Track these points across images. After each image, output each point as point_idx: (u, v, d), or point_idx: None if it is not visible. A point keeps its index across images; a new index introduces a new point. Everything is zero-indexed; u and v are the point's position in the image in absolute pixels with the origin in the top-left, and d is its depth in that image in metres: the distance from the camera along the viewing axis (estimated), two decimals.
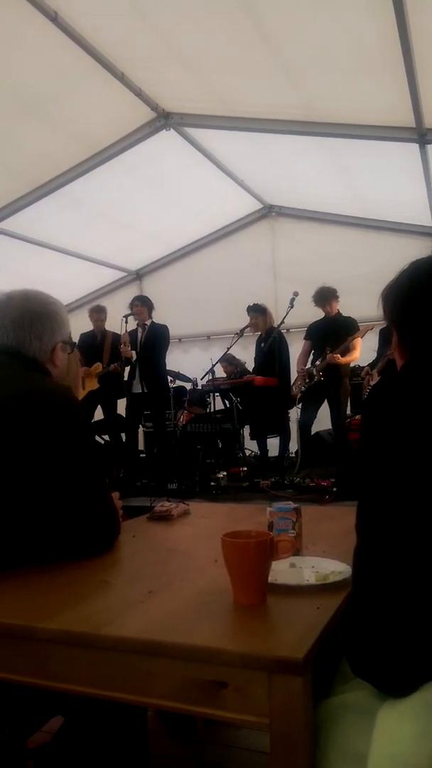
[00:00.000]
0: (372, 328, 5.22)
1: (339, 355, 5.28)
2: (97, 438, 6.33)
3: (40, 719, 1.31)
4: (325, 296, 5.52)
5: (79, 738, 1.17)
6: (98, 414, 6.30)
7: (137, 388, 5.78)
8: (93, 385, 6.08)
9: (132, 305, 5.88)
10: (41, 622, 1.03)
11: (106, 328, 6.36)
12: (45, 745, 1.23)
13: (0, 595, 1.19)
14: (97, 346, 6.24)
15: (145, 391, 5.73)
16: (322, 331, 5.58)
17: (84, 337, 6.30)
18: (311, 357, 5.67)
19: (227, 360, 6.48)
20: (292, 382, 5.75)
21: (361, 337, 5.36)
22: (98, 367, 6.09)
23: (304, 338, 5.80)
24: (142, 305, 5.85)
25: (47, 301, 1.56)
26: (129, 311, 5.87)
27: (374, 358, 5.42)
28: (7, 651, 1.06)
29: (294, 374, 5.78)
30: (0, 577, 1.28)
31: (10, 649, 1.06)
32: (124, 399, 6.08)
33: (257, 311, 5.99)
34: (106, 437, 6.38)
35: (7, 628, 1.06)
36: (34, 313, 1.51)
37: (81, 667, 1.01)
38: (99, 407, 6.25)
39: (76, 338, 5.39)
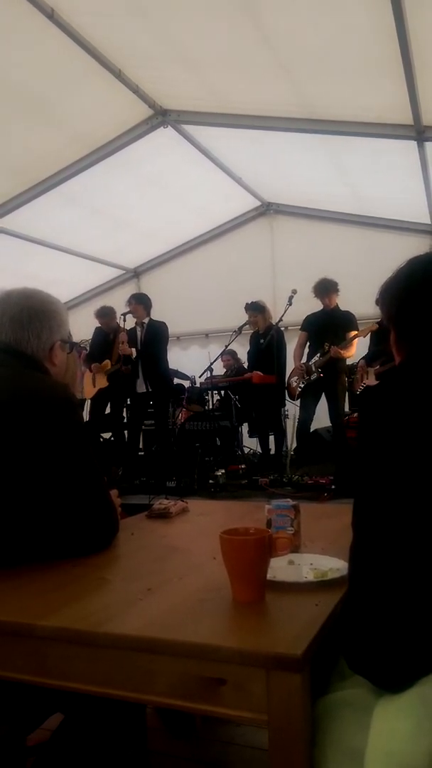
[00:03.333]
0: (375, 329, 5.20)
1: (341, 350, 5.28)
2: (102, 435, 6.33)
3: (40, 717, 1.31)
4: (326, 288, 5.50)
5: (79, 735, 1.18)
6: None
7: (141, 387, 5.78)
8: (103, 383, 6.06)
9: (127, 304, 5.87)
10: (40, 620, 1.04)
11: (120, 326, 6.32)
12: (44, 742, 1.23)
13: None
14: (109, 343, 6.17)
15: (150, 390, 5.73)
16: (320, 324, 5.57)
17: (96, 334, 6.26)
18: (307, 350, 5.66)
19: (229, 354, 6.49)
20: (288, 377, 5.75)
21: (364, 337, 5.36)
22: (107, 364, 6.07)
23: (301, 329, 5.78)
24: (137, 303, 5.83)
25: (47, 300, 1.55)
26: (126, 309, 5.87)
27: (368, 352, 5.43)
28: (6, 648, 1.06)
29: (291, 368, 5.77)
30: None
31: (10, 647, 1.06)
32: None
33: (255, 309, 5.98)
34: (108, 435, 6.38)
35: (7, 626, 1.06)
36: (32, 311, 1.50)
37: (80, 664, 1.01)
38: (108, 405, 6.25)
39: (76, 337, 5.39)
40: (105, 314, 6.30)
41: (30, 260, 6.85)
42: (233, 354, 6.64)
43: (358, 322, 5.48)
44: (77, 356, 5.90)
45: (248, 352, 6.27)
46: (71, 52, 4.20)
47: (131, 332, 5.88)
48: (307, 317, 5.72)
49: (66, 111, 4.90)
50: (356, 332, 5.35)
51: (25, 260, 6.82)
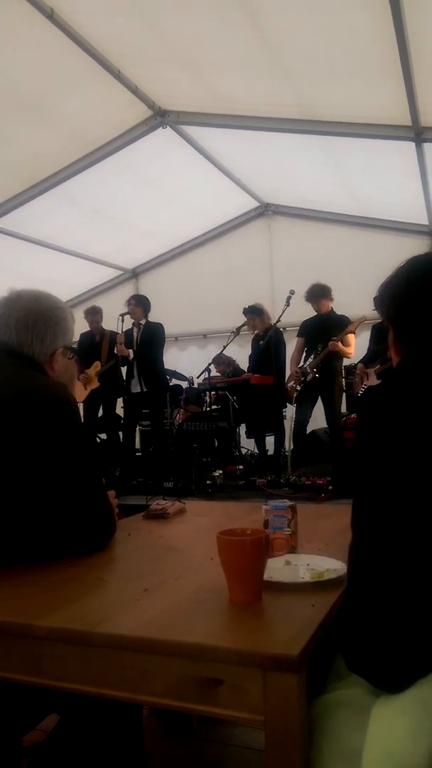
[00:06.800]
0: (364, 320, 5.28)
1: (339, 342, 5.29)
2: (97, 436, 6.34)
3: (35, 717, 1.31)
4: (315, 294, 5.52)
5: (75, 736, 1.18)
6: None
7: (136, 387, 5.80)
8: (94, 384, 6.10)
9: (127, 304, 5.90)
10: (36, 620, 1.03)
11: (105, 328, 6.37)
12: (40, 743, 1.23)
13: None
14: (96, 345, 6.27)
15: (144, 390, 5.74)
16: (314, 328, 5.59)
17: (83, 337, 6.33)
18: (304, 354, 5.68)
19: (218, 361, 6.48)
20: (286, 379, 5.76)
21: (354, 331, 5.37)
22: (97, 365, 6.12)
23: (297, 335, 5.81)
24: (137, 304, 5.88)
25: (55, 305, 1.57)
26: (125, 310, 5.89)
27: (366, 354, 5.44)
28: (2, 649, 1.06)
29: (289, 372, 5.79)
30: None
31: (5, 647, 1.06)
32: (122, 398, 6.09)
33: (253, 313, 5.99)
34: (104, 435, 6.39)
35: (2, 626, 1.06)
36: (39, 315, 1.51)
37: (76, 664, 1.01)
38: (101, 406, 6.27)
39: (76, 337, 5.39)
40: (95, 312, 6.37)
41: (28, 260, 6.84)
42: (224, 361, 6.61)
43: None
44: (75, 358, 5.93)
45: (249, 356, 6.27)
46: (70, 52, 4.20)
47: (128, 332, 5.89)
48: (303, 323, 5.75)
49: (65, 111, 4.90)
50: (346, 330, 5.37)
51: (24, 260, 6.81)
